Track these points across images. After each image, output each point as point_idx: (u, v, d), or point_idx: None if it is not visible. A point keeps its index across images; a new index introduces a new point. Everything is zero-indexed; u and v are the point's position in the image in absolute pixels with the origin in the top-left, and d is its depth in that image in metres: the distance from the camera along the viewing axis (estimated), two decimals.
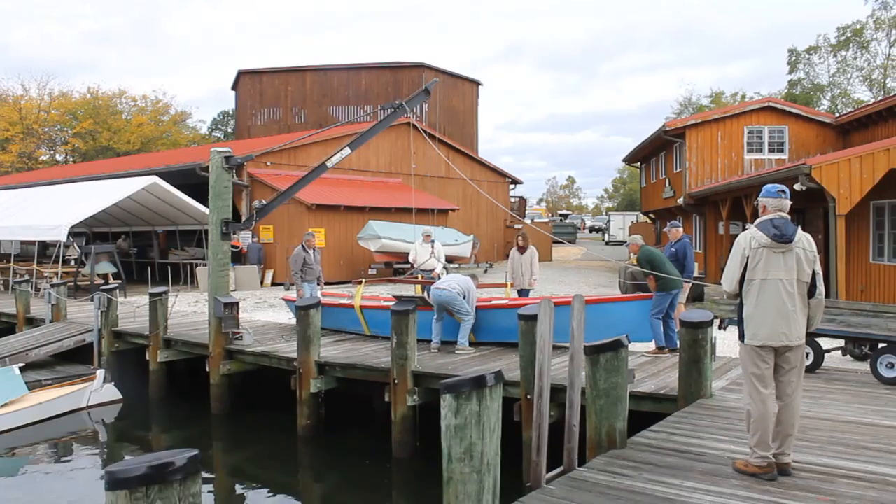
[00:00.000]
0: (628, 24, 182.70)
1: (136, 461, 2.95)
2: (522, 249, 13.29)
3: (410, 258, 15.75)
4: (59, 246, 20.92)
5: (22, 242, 25.73)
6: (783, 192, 5.56)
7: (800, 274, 5.41)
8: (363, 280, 13.80)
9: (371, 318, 12.46)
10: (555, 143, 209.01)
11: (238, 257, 22.76)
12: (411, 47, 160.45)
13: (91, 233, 27.85)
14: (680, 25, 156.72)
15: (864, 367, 9.61)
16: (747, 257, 5.47)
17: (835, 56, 47.19)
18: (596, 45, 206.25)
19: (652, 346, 10.62)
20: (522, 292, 13.13)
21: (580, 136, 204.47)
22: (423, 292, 11.71)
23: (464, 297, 10.89)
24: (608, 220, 60.81)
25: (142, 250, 28.36)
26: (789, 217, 5.53)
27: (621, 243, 48.95)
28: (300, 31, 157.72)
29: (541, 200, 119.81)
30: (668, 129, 26.50)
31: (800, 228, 5.51)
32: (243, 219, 20.35)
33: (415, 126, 15.88)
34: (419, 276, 14.76)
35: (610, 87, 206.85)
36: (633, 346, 8.21)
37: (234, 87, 45.64)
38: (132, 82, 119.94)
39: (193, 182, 22.86)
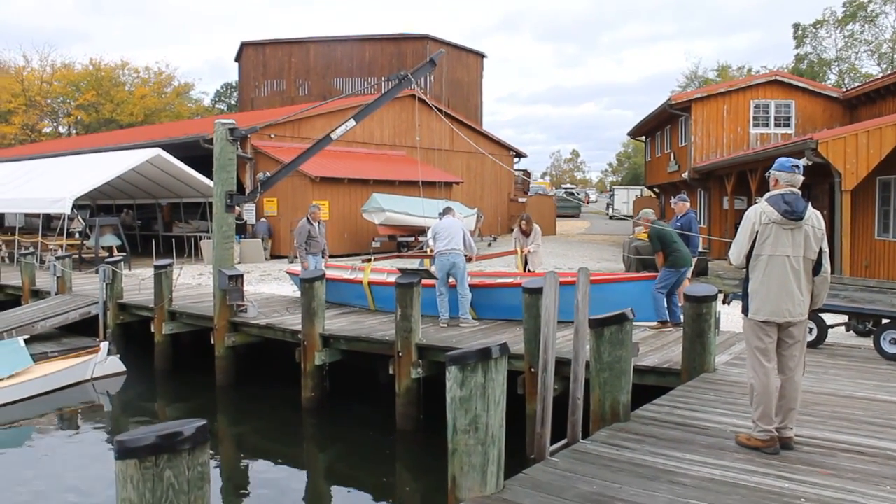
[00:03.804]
0: None
1: (146, 431, 2.97)
2: (526, 233, 13.29)
3: (429, 235, 15.74)
4: (64, 218, 20.94)
5: (26, 215, 25.77)
6: (797, 167, 5.49)
7: (807, 251, 5.40)
8: (372, 258, 13.81)
9: (377, 293, 12.48)
10: (557, 116, 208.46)
11: (242, 230, 22.79)
12: (413, 15, 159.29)
13: (95, 205, 27.89)
14: None
15: (868, 342, 9.63)
16: (756, 232, 5.44)
17: (841, 30, 46.73)
18: (596, 14, 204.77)
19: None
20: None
21: (582, 108, 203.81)
22: (431, 266, 11.74)
23: (464, 244, 11.12)
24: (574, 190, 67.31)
25: (146, 223, 28.37)
26: (800, 192, 5.49)
27: (625, 218, 48.91)
28: (304, 1, 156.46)
29: (545, 174, 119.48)
30: (673, 102, 26.32)
31: (810, 205, 5.48)
32: (247, 191, 20.33)
33: (421, 99, 15.79)
34: (428, 250, 14.74)
35: (611, 59, 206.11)
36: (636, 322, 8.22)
37: (237, 59, 45.40)
38: (132, 53, 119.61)
39: (197, 154, 22.83)
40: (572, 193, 70.74)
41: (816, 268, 5.48)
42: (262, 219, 24.24)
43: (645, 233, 17.37)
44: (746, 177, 20.27)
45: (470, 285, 11.22)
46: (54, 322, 14.04)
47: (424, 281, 10.28)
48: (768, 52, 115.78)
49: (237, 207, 13.59)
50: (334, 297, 12.64)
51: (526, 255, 13.19)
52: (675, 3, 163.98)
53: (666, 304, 10.51)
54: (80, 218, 22.28)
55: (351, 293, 12.95)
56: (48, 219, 23.80)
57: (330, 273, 12.53)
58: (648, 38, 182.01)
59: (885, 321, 9.17)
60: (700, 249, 12.77)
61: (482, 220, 29.06)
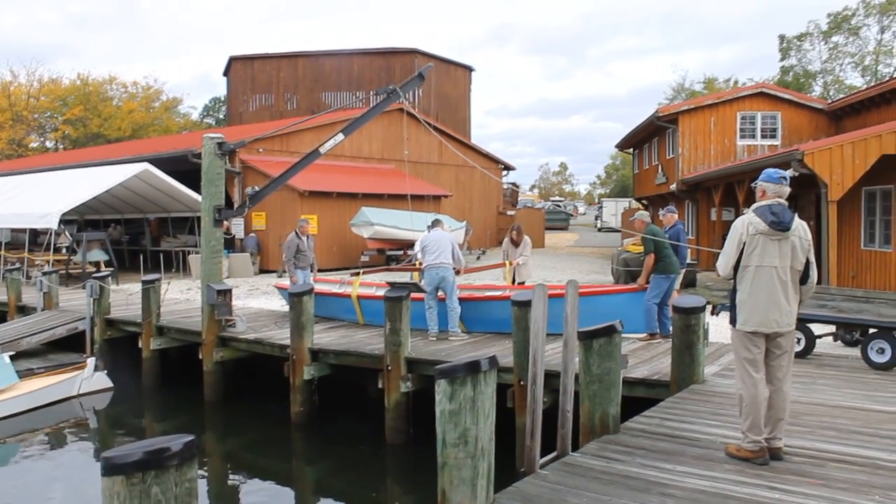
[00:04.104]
0: (616, 6, 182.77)
1: (133, 447, 2.95)
2: (516, 242, 13.34)
3: (416, 248, 15.77)
4: (51, 234, 20.82)
5: (12, 230, 25.59)
6: (784, 178, 5.52)
7: (794, 262, 5.43)
8: (360, 271, 13.80)
9: (366, 307, 12.45)
10: (545, 129, 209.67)
11: (231, 244, 22.72)
12: (400, 29, 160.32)
13: (82, 220, 27.74)
14: (668, 8, 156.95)
15: (855, 352, 9.66)
16: (744, 243, 5.47)
17: (826, 42, 47.20)
18: (584, 27, 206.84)
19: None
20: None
21: (570, 121, 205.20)
22: (420, 280, 11.74)
23: (452, 257, 11.10)
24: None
25: (134, 238, 28.24)
26: (787, 203, 5.53)
27: (614, 230, 49.09)
28: (291, 16, 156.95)
29: (533, 187, 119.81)
30: (660, 114, 26.46)
31: (796, 216, 5.51)
32: (236, 205, 20.30)
33: (409, 113, 15.82)
34: (416, 263, 14.76)
35: (599, 71, 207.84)
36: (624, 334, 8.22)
37: (225, 73, 45.38)
38: (120, 68, 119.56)
39: (185, 169, 22.78)
40: (558, 205, 70.89)
41: (803, 278, 5.52)
42: (251, 234, 24.21)
43: (634, 244, 17.40)
44: (734, 188, 20.38)
45: (459, 298, 11.21)
46: (40, 338, 13.93)
47: (413, 294, 10.27)
48: (754, 65, 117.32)
49: (226, 222, 13.56)
50: (323, 311, 12.60)
51: (514, 267, 13.21)
52: (661, 16, 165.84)
53: (656, 316, 10.51)
54: (67, 233, 22.16)
55: (340, 307, 12.91)
56: (35, 234, 23.63)
57: (318, 287, 12.50)
58: (636, 51, 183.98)
59: (872, 331, 9.20)
60: (688, 261, 12.81)
61: (471, 233, 29.09)
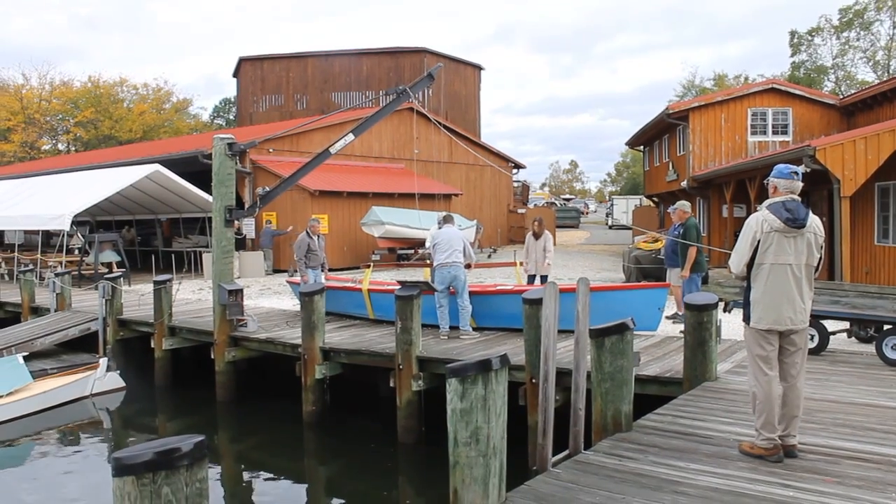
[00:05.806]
0: (621, 3, 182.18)
1: (143, 447, 2.95)
2: (537, 235, 13.41)
3: (427, 244, 15.76)
4: (63, 235, 20.94)
5: (26, 232, 25.78)
6: (795, 173, 5.45)
7: (809, 258, 5.38)
8: (371, 264, 13.82)
9: (376, 301, 12.46)
10: (552, 127, 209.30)
11: (242, 245, 22.76)
12: (407, 28, 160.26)
13: (94, 221, 27.90)
14: (674, 4, 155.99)
15: (870, 349, 9.59)
16: (758, 241, 5.41)
17: (837, 38, 46.90)
18: (589, 24, 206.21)
19: (658, 332, 10.54)
20: (532, 278, 13.20)
21: (578, 119, 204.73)
22: (431, 279, 11.74)
23: (463, 253, 11.10)
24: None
25: (145, 238, 28.37)
26: (800, 199, 5.47)
27: (625, 227, 48.95)
28: (299, 17, 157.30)
29: (543, 185, 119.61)
30: (671, 111, 26.35)
31: (810, 212, 5.46)
32: (246, 206, 20.33)
33: (419, 112, 15.82)
34: (429, 260, 14.79)
35: (605, 69, 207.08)
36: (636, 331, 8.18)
37: (235, 74, 45.48)
38: (130, 70, 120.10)
39: (196, 169, 22.86)
40: (554, 204, 70.45)
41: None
42: (266, 225, 24.00)
43: (645, 242, 17.34)
44: (745, 185, 20.27)
45: (470, 293, 11.19)
46: (54, 339, 14.01)
47: (425, 290, 10.26)
48: (764, 60, 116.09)
49: (236, 222, 13.60)
50: (333, 306, 12.59)
51: (538, 266, 13.24)
52: (668, 12, 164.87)
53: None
54: (79, 234, 22.28)
55: (350, 302, 12.91)
56: (48, 235, 23.78)
57: (328, 283, 12.52)
58: (642, 48, 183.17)
59: (886, 327, 9.14)
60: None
61: (481, 231, 29.05)
